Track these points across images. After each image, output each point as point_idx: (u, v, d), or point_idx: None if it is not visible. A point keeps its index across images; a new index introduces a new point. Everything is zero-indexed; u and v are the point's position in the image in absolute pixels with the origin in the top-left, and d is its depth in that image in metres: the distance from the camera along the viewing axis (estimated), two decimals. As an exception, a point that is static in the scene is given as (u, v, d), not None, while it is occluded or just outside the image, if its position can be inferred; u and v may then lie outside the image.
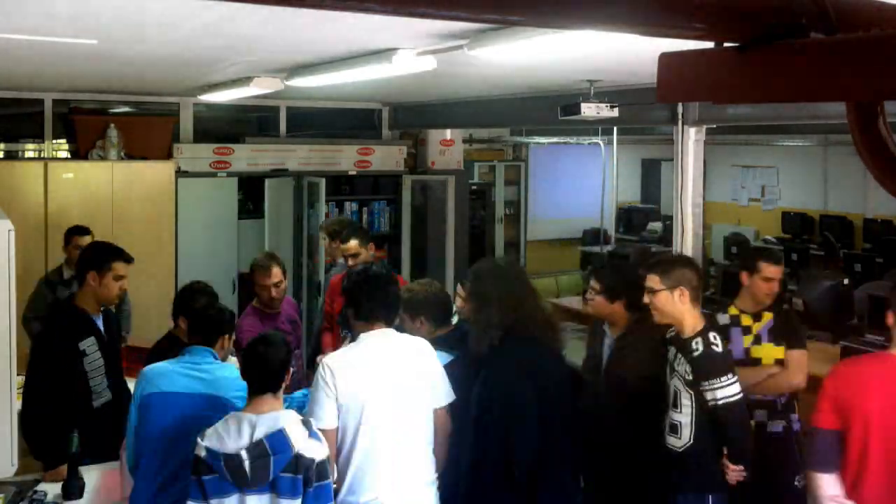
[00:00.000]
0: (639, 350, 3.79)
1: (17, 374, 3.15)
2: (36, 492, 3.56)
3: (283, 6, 1.40)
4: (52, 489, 3.59)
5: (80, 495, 3.54)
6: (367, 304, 3.36)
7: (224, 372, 3.44)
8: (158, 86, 6.62)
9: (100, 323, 4.08)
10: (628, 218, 12.47)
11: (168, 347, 3.90)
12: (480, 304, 3.51)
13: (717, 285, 7.02)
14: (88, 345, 3.96)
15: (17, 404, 3.32)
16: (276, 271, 4.85)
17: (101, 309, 4.12)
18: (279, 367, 2.98)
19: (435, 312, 3.82)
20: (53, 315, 4.26)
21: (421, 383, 3.36)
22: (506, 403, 3.39)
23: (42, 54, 4.36)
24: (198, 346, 3.47)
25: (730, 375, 3.41)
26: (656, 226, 12.01)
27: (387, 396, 3.27)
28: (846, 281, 6.86)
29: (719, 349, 3.45)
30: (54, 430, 3.66)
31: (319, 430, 3.01)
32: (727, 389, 3.40)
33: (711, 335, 3.46)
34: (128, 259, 4.14)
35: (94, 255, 4.12)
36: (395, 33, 3.52)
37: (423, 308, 3.80)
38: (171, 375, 3.38)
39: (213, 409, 3.21)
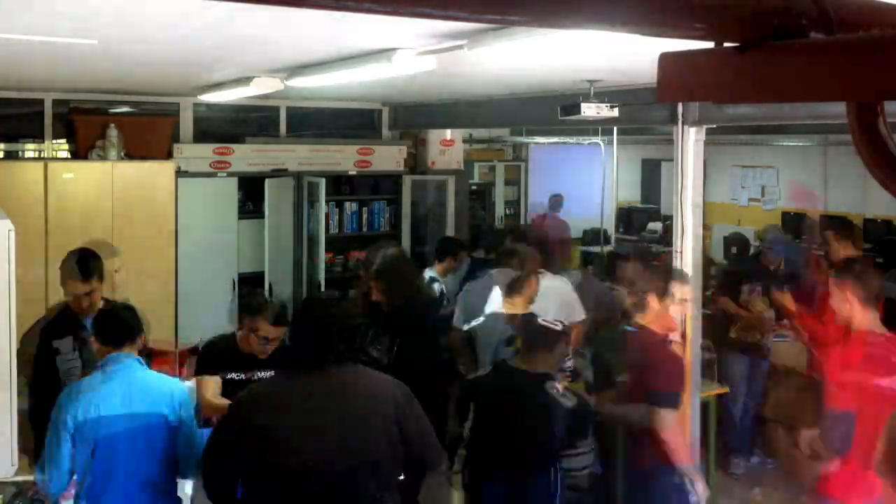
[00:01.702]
0: None
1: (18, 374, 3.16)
2: (36, 492, 3.56)
3: (283, 6, 1.40)
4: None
5: None
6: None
7: (159, 382, 3.39)
8: (158, 86, 6.62)
9: (89, 324, 4.03)
10: (628, 218, 12.45)
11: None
12: None
13: (716, 285, 7.02)
14: (64, 344, 3.94)
15: (18, 404, 3.32)
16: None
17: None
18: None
19: None
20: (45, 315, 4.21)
21: None
22: None
23: (42, 54, 4.36)
24: (119, 354, 3.35)
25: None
26: (656, 226, 12.00)
27: None
28: (846, 281, 6.84)
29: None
30: (37, 426, 3.65)
31: None
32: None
33: None
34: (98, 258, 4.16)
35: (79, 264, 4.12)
36: (395, 33, 3.52)
37: None
38: (103, 393, 3.25)
39: (149, 425, 3.23)
